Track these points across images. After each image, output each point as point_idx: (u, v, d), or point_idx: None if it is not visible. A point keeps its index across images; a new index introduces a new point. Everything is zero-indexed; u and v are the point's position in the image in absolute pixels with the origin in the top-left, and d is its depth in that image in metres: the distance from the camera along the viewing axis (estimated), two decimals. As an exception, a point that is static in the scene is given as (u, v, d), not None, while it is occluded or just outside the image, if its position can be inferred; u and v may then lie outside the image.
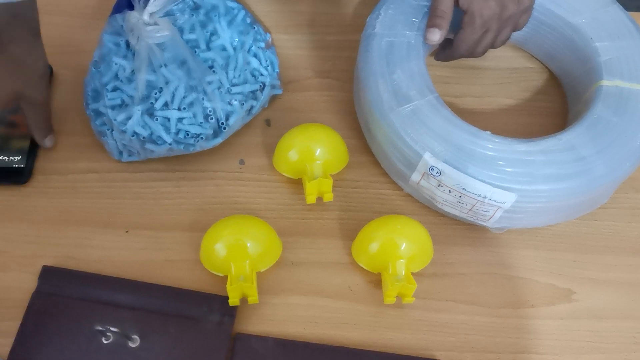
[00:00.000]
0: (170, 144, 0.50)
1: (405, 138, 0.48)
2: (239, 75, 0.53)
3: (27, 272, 0.49)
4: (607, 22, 0.54)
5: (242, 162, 0.55)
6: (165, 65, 0.50)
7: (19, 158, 0.53)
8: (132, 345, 0.45)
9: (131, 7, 0.50)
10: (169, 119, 0.50)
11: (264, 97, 0.55)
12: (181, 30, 0.51)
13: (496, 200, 0.46)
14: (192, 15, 0.52)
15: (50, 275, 0.48)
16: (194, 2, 0.53)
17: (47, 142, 0.54)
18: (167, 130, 0.50)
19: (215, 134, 0.52)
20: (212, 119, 0.51)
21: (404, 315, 0.48)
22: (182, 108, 0.50)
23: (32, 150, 0.54)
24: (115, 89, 0.51)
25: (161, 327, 0.46)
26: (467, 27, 0.51)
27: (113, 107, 0.50)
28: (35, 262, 0.49)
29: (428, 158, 0.46)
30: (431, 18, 0.51)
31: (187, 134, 0.50)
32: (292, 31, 0.63)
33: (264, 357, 0.45)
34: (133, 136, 0.50)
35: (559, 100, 0.59)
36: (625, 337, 0.48)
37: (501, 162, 0.46)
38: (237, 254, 0.47)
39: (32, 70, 0.50)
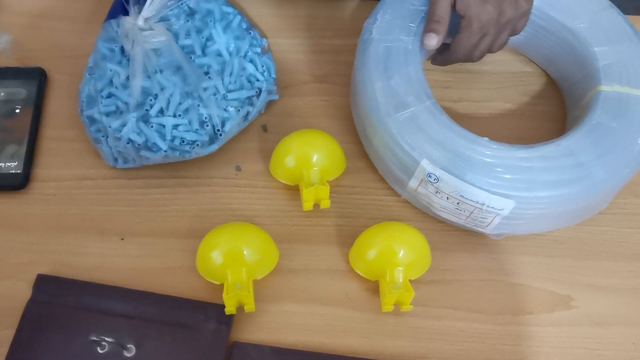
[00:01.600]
0: (165, 151, 0.49)
1: (402, 144, 0.47)
2: (235, 81, 0.52)
3: (22, 280, 0.48)
4: (606, 26, 0.53)
5: (238, 168, 0.55)
6: (161, 71, 0.49)
7: (15, 164, 0.53)
8: (127, 354, 0.45)
9: (126, 13, 0.50)
10: (164, 126, 0.49)
11: (260, 102, 0.55)
12: (176, 36, 0.51)
13: (494, 207, 0.46)
14: (188, 20, 0.52)
15: (45, 284, 0.48)
16: (189, 8, 0.52)
17: None
18: (163, 137, 0.49)
19: (211, 141, 0.51)
20: (207, 125, 0.50)
21: (402, 323, 0.48)
22: (177, 115, 0.49)
23: (29, 156, 0.54)
24: (109, 96, 0.50)
25: (157, 336, 0.46)
26: (464, 32, 0.50)
27: (108, 114, 0.50)
28: (30, 269, 0.49)
29: (425, 165, 0.46)
30: (428, 23, 0.51)
31: (183, 141, 0.50)
32: (289, 36, 0.63)
33: (261, 366, 0.45)
34: (128, 143, 0.49)
35: (557, 105, 0.59)
36: (625, 343, 0.48)
37: (499, 169, 0.45)
38: (233, 261, 0.46)
39: None
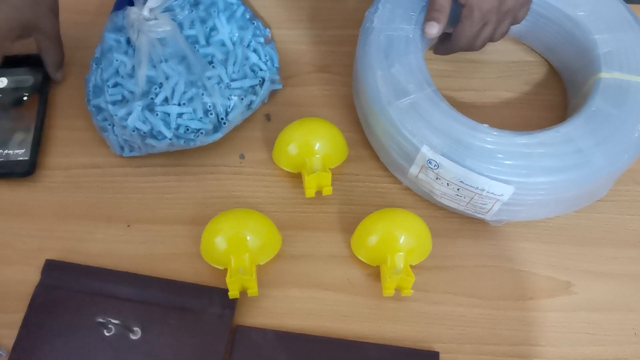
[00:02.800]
0: (170, 139, 0.50)
1: (403, 131, 0.48)
2: (239, 71, 0.53)
3: (31, 266, 0.49)
4: (606, 14, 0.54)
5: (242, 156, 0.56)
6: (166, 61, 0.50)
7: (23, 151, 0.54)
8: (133, 337, 0.46)
9: (132, 4, 0.50)
10: (169, 114, 0.50)
11: (263, 92, 0.55)
12: (181, 26, 0.52)
13: (494, 192, 0.46)
14: (192, 10, 0.52)
15: (53, 269, 0.49)
16: (194, -2, 0.53)
17: (59, 75, 0.58)
18: (167, 125, 0.50)
19: (215, 129, 0.52)
20: (211, 114, 0.51)
21: (402, 308, 0.49)
22: (182, 103, 0.50)
23: (36, 144, 0.55)
24: (116, 85, 0.51)
25: (162, 320, 0.47)
26: (465, 21, 0.51)
27: (114, 103, 0.51)
28: (38, 255, 0.50)
29: (426, 151, 0.47)
30: (429, 12, 0.51)
31: (187, 129, 0.51)
32: (292, 26, 0.64)
33: (264, 349, 0.46)
34: (134, 131, 0.50)
35: (558, 93, 0.59)
36: (624, 329, 0.48)
37: (499, 155, 0.46)
38: (236, 247, 0.47)
39: (44, 3, 0.54)
